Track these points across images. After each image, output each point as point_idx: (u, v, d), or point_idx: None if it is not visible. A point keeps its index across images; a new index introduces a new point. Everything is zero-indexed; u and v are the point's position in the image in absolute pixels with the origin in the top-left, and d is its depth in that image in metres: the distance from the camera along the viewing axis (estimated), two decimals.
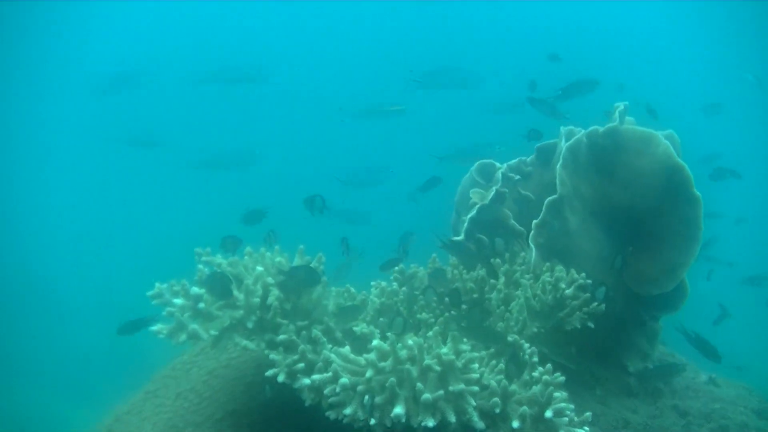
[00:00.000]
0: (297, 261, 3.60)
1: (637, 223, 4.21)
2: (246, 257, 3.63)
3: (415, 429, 2.99)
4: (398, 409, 2.91)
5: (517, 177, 4.78)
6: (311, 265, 3.57)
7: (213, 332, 3.27)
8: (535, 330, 3.65)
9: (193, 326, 3.19)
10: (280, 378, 3.17)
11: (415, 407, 3.00)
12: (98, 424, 3.97)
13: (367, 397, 2.94)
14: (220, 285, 3.30)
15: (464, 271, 4.05)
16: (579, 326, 3.67)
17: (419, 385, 2.95)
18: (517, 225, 4.46)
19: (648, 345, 4.45)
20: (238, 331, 3.37)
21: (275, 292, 3.44)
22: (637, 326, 4.40)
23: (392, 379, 2.95)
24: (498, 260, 4.05)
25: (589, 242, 4.17)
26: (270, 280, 3.47)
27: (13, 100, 17.94)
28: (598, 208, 4.23)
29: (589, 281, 3.69)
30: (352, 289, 3.79)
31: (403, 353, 3.05)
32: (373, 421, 2.93)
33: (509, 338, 3.43)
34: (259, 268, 3.50)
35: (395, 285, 3.91)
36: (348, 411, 2.96)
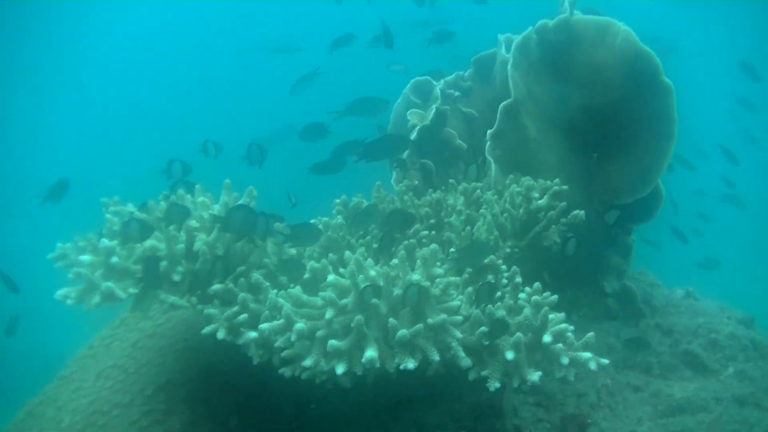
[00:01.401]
0: (223, 198, 3.01)
1: (600, 125, 3.74)
2: (162, 202, 3.04)
3: (391, 374, 2.48)
4: (370, 353, 2.38)
5: (457, 93, 4.29)
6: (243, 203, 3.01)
7: (132, 290, 2.68)
8: (508, 251, 3.16)
9: (107, 284, 2.59)
10: (220, 334, 2.62)
11: (388, 349, 2.48)
12: (6, 423, 3.35)
13: (332, 341, 2.40)
14: (139, 231, 2.72)
15: (414, 198, 3.53)
16: (558, 240, 3.19)
17: (392, 320, 2.43)
18: (464, 144, 3.96)
19: (623, 261, 4.03)
20: (163, 286, 2.78)
21: (202, 236, 2.86)
22: (609, 242, 3.96)
23: (358, 316, 2.42)
24: (453, 181, 3.55)
25: (551, 151, 3.69)
26: (194, 223, 2.90)
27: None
28: (557, 112, 3.76)
29: (565, 187, 3.20)
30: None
31: (366, 286, 2.51)
32: (340, 370, 2.39)
33: (484, 260, 2.93)
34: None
35: (339, 218, 3.36)
36: (309, 362, 2.42)
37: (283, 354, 2.54)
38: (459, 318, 2.51)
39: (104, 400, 3.02)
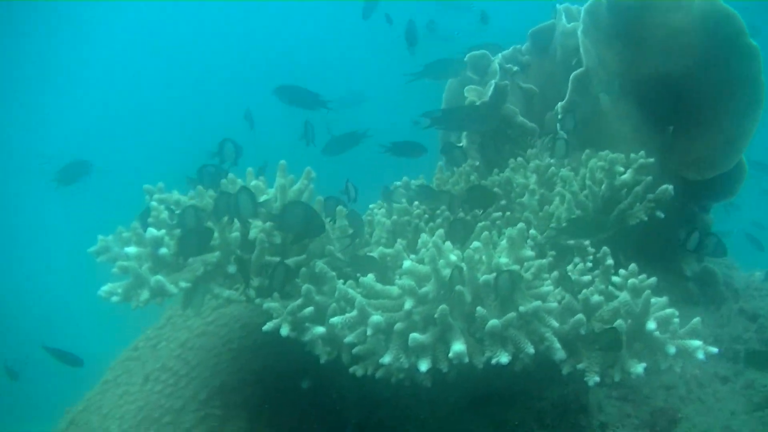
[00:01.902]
0: (279, 181, 2.74)
1: (678, 94, 3.43)
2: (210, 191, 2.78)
3: (474, 371, 2.20)
4: (457, 346, 2.10)
5: (515, 68, 3.98)
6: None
7: (183, 284, 2.42)
8: None
9: (157, 278, 2.33)
10: (284, 330, 2.35)
11: (474, 342, 2.20)
12: None
13: (413, 335, 2.12)
14: (196, 219, 2.47)
15: (479, 178, 3.25)
16: (646, 218, 2.89)
17: (480, 309, 2.15)
18: (528, 122, 3.67)
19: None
20: (217, 279, 2.52)
21: (258, 223, 2.60)
22: (685, 221, 3.64)
23: (443, 306, 2.14)
24: (520, 158, 3.26)
25: (624, 124, 3.40)
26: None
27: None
28: (629, 81, 3.45)
29: (651, 159, 2.91)
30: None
31: (447, 272, 2.23)
32: (424, 366, 2.11)
33: (570, 242, 2.64)
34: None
35: (403, 201, 3.08)
36: (387, 359, 2.15)
37: (355, 350, 2.27)
38: (554, 305, 2.22)
39: (154, 406, 2.77)
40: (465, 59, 4.07)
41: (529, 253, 2.33)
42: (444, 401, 2.74)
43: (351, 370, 2.32)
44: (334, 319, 2.21)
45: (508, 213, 2.95)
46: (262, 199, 2.71)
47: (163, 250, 2.44)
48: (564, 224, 2.68)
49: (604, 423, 2.89)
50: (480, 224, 2.76)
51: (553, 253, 2.63)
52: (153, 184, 2.80)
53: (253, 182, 2.77)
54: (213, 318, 3.14)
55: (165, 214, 2.58)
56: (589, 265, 2.60)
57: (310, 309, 2.36)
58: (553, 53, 3.99)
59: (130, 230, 2.51)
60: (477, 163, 3.50)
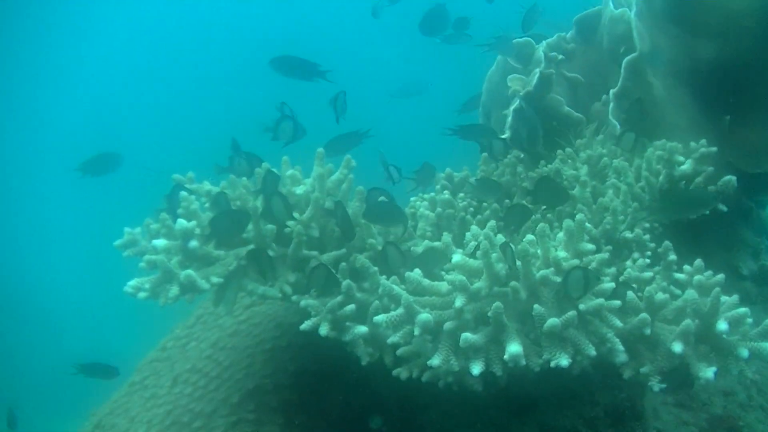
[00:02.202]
0: (316, 171, 2.57)
1: (735, 81, 3.22)
2: (244, 178, 2.62)
3: (530, 374, 2.03)
4: (514, 347, 1.93)
5: (560, 56, 3.79)
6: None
7: (215, 279, 2.26)
8: (648, 225, 2.67)
9: (187, 272, 2.17)
10: (323, 330, 2.19)
11: (529, 342, 2.03)
12: None
13: (465, 335, 1.94)
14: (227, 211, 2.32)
15: (525, 170, 3.07)
16: (707, 212, 2.70)
17: (537, 307, 1.97)
18: (574, 112, 3.48)
19: (757, 238, 3.50)
20: (251, 274, 2.36)
21: (295, 214, 2.44)
22: (741, 216, 3.44)
23: (497, 303, 1.96)
24: (569, 149, 3.08)
25: (679, 113, 3.21)
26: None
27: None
28: (683, 68, 3.24)
29: (713, 149, 2.72)
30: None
31: (501, 267, 2.06)
32: (476, 369, 1.94)
33: (627, 235, 2.46)
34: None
35: (446, 193, 2.91)
36: (436, 361, 1.98)
37: (400, 351, 2.11)
38: (617, 303, 2.04)
39: (184, 410, 2.61)
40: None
41: (589, 246, 2.15)
42: (491, 405, 2.57)
43: (395, 372, 2.15)
44: (378, 318, 2.04)
45: (559, 207, 2.77)
46: (299, 190, 2.55)
47: (194, 243, 2.29)
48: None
49: (661, 430, 2.71)
50: (533, 217, 2.58)
51: (609, 247, 2.44)
52: (182, 174, 2.65)
53: (290, 172, 2.61)
54: (246, 317, 2.98)
55: (196, 205, 2.42)
56: (648, 261, 2.41)
57: (351, 307, 2.20)
58: (599, 41, 3.80)
59: (159, 222, 2.36)
60: (522, 155, 3.32)
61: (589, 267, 2.09)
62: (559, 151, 3.11)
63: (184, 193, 2.45)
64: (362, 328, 2.18)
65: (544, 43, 3.83)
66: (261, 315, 2.94)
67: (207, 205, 2.47)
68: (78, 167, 4.29)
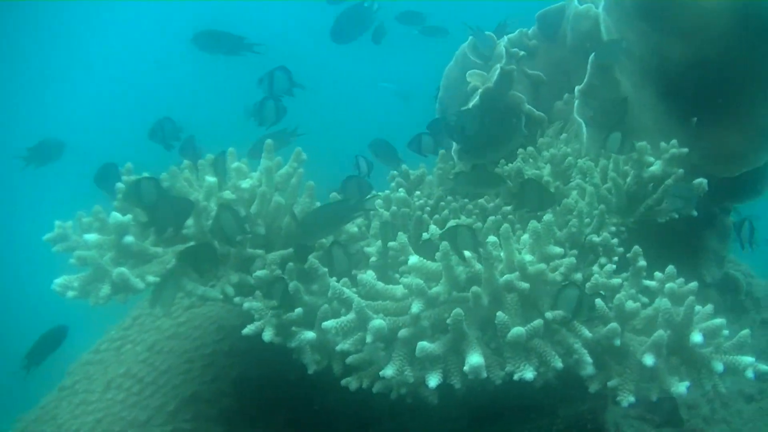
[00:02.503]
0: (264, 163, 2.39)
1: (705, 82, 3.11)
2: (186, 170, 2.43)
3: (491, 386, 1.87)
4: (474, 358, 1.77)
5: (522, 53, 3.65)
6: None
7: (151, 278, 2.07)
8: (614, 229, 2.53)
9: (120, 270, 1.98)
10: (267, 335, 2.02)
11: (491, 353, 1.87)
12: None
13: (422, 343, 1.78)
14: (153, 194, 2.12)
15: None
16: (677, 216, 2.57)
17: (501, 315, 1.81)
18: (535, 110, 3.34)
19: (721, 246, 3.40)
20: (190, 273, 2.17)
21: (240, 210, 2.26)
22: (706, 222, 3.33)
23: (457, 310, 1.80)
24: (530, 148, 2.94)
25: (646, 113, 3.08)
26: (228, 194, 2.29)
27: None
28: (652, 67, 3.13)
29: (685, 150, 2.59)
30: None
31: (461, 270, 1.90)
32: (433, 382, 1.78)
33: (593, 238, 2.32)
34: (210, 179, 2.30)
35: (401, 192, 2.74)
36: (390, 371, 1.81)
37: (350, 360, 1.94)
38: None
39: (115, 418, 2.42)
40: (466, 43, 3.75)
41: (557, 249, 2.00)
42: (447, 417, 2.41)
43: (343, 382, 1.99)
44: (327, 323, 1.87)
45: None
46: (245, 184, 2.37)
47: (129, 239, 2.09)
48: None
49: None
50: (491, 219, 2.42)
51: (575, 251, 2.29)
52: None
53: (236, 164, 2.42)
54: (185, 318, 2.79)
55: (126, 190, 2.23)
56: (614, 266, 2.27)
57: (298, 311, 2.03)
58: (562, 38, 3.67)
59: (92, 215, 2.16)
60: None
61: (557, 272, 1.93)
62: (521, 150, 2.96)
63: (120, 185, 2.26)
64: (309, 334, 2.02)
65: (505, 38, 3.68)
66: (201, 317, 2.75)
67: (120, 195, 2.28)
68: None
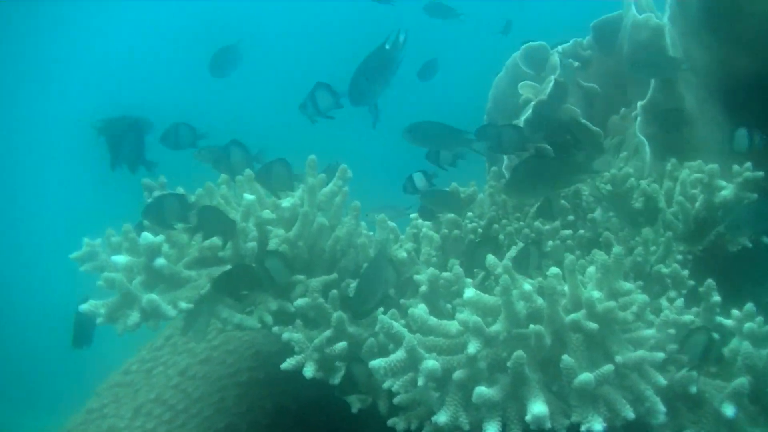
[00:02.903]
0: (309, 181, 2.23)
1: None
2: (223, 186, 2.28)
3: None
4: (537, 407, 1.60)
5: (576, 64, 3.47)
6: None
7: (184, 304, 1.92)
8: (680, 257, 2.34)
9: (150, 297, 1.83)
10: (308, 371, 1.86)
11: (553, 398, 1.69)
12: None
13: (480, 389, 1.61)
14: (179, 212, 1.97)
15: None
16: (750, 244, 2.39)
17: (567, 359, 1.64)
18: (590, 124, 3.16)
19: None
20: (226, 299, 2.02)
21: (280, 231, 2.10)
22: None
23: (519, 352, 1.63)
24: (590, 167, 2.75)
25: (710, 131, 2.88)
26: (268, 214, 2.13)
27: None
28: (717, 81, 2.93)
29: (760, 173, 2.40)
30: (389, 222, 2.41)
31: (522, 306, 1.73)
32: (492, 430, 1.61)
33: (662, 269, 2.14)
34: (249, 197, 2.14)
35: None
36: (444, 418, 1.64)
37: (398, 400, 1.77)
38: (660, 355, 1.71)
39: None
40: (518, 53, 3.59)
41: (627, 285, 1.82)
42: None
43: (390, 422, 1.83)
44: (375, 363, 1.70)
45: (581, 231, 2.44)
46: (286, 203, 2.21)
47: (160, 261, 1.94)
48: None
49: None
50: (551, 243, 2.25)
51: (640, 283, 2.12)
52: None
53: (249, 196, 2.26)
54: (220, 341, 2.64)
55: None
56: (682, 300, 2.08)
57: (342, 345, 1.87)
58: (619, 49, 3.49)
59: (122, 234, 2.02)
60: None
61: (629, 310, 1.75)
62: None
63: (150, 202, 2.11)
64: None
65: (559, 48, 3.51)
66: (237, 340, 2.60)
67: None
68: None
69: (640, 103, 2.79)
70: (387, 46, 2.69)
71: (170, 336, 2.86)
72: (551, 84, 3.17)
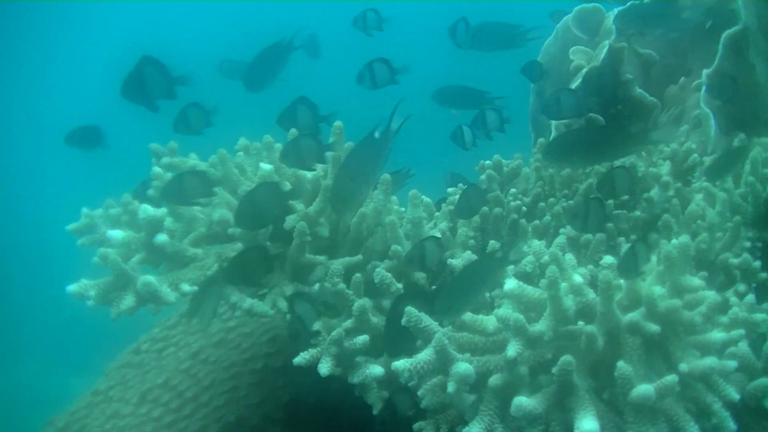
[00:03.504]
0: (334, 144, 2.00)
1: None
2: (240, 152, 2.05)
3: None
4: (588, 424, 1.35)
5: (632, 30, 3.19)
6: None
7: (187, 287, 1.70)
8: (748, 245, 2.08)
9: (147, 279, 1.61)
10: (324, 368, 1.64)
11: (606, 410, 1.45)
12: None
13: (520, 399, 1.38)
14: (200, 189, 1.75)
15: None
16: None
17: (623, 366, 1.39)
18: (647, 95, 2.90)
19: None
20: (236, 281, 1.80)
21: (299, 206, 1.87)
22: None
23: (566, 357, 1.39)
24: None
25: None
26: (287, 186, 1.91)
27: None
28: None
29: None
30: (424, 197, 2.14)
31: (571, 302, 1.49)
32: None
33: (731, 260, 1.88)
34: (266, 166, 1.92)
35: (495, 187, 2.33)
36: (477, 429, 1.40)
37: (425, 404, 1.55)
38: (732, 364, 1.46)
39: None
40: (570, 16, 3.33)
41: (695, 281, 1.56)
42: None
43: (416, 427, 1.60)
44: (398, 364, 1.47)
45: (637, 213, 2.18)
46: (309, 174, 1.98)
47: (162, 238, 1.72)
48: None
49: None
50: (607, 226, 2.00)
51: (703, 273, 1.86)
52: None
53: (267, 166, 2.02)
54: (236, 322, 2.43)
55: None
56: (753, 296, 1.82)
57: (363, 338, 1.64)
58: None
59: (121, 205, 1.80)
60: None
61: (696, 311, 1.50)
62: None
63: (157, 169, 1.89)
64: (377, 369, 1.64)
65: (615, 10, 3.24)
66: (254, 323, 2.39)
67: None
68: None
69: (705, 72, 2.52)
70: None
71: (185, 313, 2.66)
72: (605, 50, 2.92)
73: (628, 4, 3.34)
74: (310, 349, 1.68)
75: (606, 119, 2.92)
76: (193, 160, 2.08)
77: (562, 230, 2.02)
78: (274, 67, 2.74)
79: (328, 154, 1.95)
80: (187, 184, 1.81)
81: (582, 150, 2.28)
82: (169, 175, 1.90)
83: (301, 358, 1.67)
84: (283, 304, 1.80)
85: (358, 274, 1.81)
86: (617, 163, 2.30)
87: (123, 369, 2.54)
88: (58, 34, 16.22)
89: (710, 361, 1.43)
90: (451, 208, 2.17)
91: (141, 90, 2.09)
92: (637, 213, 2.19)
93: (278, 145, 2.06)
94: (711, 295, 1.51)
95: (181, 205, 1.86)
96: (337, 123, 2.05)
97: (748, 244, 2.08)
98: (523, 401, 1.37)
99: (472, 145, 2.61)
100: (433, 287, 1.90)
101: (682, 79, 2.99)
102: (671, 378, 1.39)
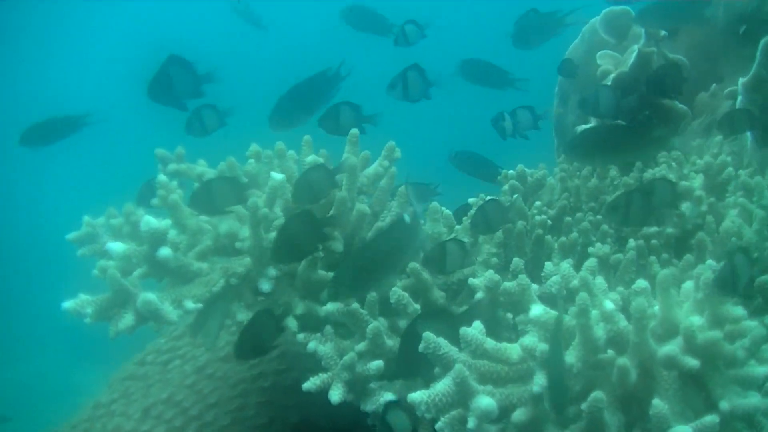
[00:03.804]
0: (347, 159, 1.89)
1: None
2: (251, 160, 1.95)
3: None
4: None
5: (662, 33, 3.09)
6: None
7: (191, 304, 1.60)
8: None
9: (147, 296, 1.51)
10: (335, 395, 1.53)
11: None
12: None
13: None
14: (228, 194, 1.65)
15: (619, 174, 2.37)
16: None
17: (659, 404, 1.28)
18: (678, 103, 2.80)
19: None
20: (243, 297, 1.70)
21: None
22: None
23: (597, 394, 1.28)
24: (676, 151, 2.39)
25: None
26: None
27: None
28: None
29: None
30: (443, 209, 2.03)
31: (601, 330, 1.38)
32: None
33: None
34: (277, 176, 1.81)
35: (516, 198, 2.21)
36: None
37: (439, 426, 1.44)
38: None
39: None
40: (598, 18, 3.24)
41: (739, 311, 1.44)
42: None
43: None
44: (416, 396, 1.36)
45: (668, 229, 2.06)
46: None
47: (165, 252, 1.62)
48: None
49: None
50: (631, 244, 1.88)
51: (738, 299, 1.74)
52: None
53: (311, 157, 1.93)
54: None
55: (177, 196, 1.75)
56: None
57: (377, 364, 1.53)
58: (711, 18, 3.11)
59: (123, 215, 1.70)
60: None
61: (738, 344, 1.38)
62: (664, 154, 2.40)
63: (162, 177, 1.79)
64: (387, 395, 1.53)
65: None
66: None
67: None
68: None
69: (741, 80, 2.41)
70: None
71: (190, 328, 2.57)
72: (634, 54, 2.84)
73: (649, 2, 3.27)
74: (321, 374, 1.58)
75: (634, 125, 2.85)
76: (201, 167, 1.98)
77: (590, 249, 1.90)
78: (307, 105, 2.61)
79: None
80: (216, 192, 1.71)
81: (603, 148, 2.22)
82: (174, 183, 1.79)
83: (311, 384, 1.57)
84: (293, 324, 1.69)
85: (373, 293, 1.70)
86: (658, 174, 2.19)
87: (126, 381, 2.45)
88: (58, 34, 16.24)
89: (754, 399, 1.32)
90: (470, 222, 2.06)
91: (169, 91, 2.01)
92: (669, 230, 2.07)
93: (291, 153, 1.95)
94: (755, 327, 1.39)
95: (213, 215, 1.77)
96: (353, 131, 1.94)
97: None
98: None
99: (511, 136, 2.56)
100: (461, 310, 1.79)
101: (714, 85, 2.88)
102: (711, 419, 1.27)
